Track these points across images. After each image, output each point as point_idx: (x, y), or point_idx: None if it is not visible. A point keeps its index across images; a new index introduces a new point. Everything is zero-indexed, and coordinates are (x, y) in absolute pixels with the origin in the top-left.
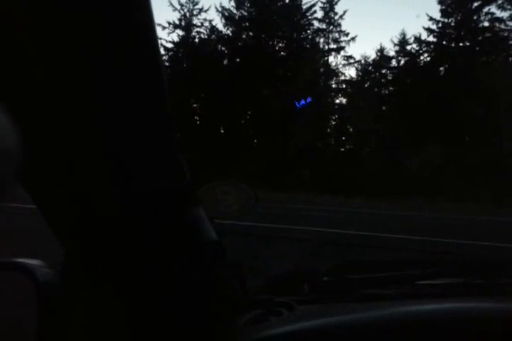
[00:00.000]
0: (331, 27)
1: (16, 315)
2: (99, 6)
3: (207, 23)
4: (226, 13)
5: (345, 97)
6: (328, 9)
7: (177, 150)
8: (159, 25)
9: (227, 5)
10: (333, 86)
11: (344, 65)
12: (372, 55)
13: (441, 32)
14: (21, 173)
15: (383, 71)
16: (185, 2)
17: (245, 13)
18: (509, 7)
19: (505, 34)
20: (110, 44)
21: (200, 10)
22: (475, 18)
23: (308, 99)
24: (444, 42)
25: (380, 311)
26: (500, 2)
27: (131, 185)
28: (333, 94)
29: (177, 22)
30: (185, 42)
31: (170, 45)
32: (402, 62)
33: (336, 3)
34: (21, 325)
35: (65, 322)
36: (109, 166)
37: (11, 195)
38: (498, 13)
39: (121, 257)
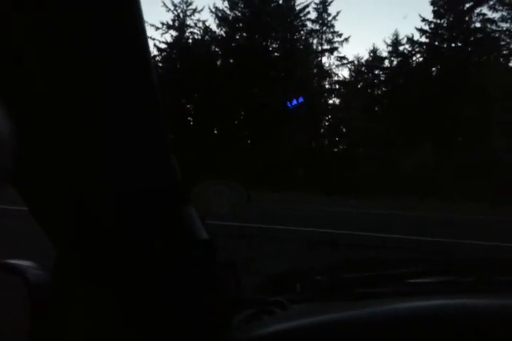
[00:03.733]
0: (325, 28)
1: (8, 316)
2: (90, 10)
3: (200, 24)
4: (220, 14)
5: (338, 98)
6: (321, 10)
7: (168, 151)
8: (153, 25)
9: (220, 6)
10: (327, 86)
11: (337, 66)
12: (365, 56)
13: (434, 33)
14: (14, 173)
15: (376, 71)
16: (179, 2)
17: (239, 14)
18: (501, 8)
19: (497, 35)
20: (102, 45)
21: (194, 10)
22: (467, 19)
23: (300, 100)
24: (437, 43)
25: (372, 309)
26: (491, 3)
27: (122, 184)
28: (326, 94)
29: (170, 22)
30: (178, 43)
31: (163, 46)
32: (395, 62)
33: (329, 4)
34: (13, 326)
35: (57, 322)
36: (101, 166)
37: (5, 192)
38: (490, 14)
39: (114, 257)
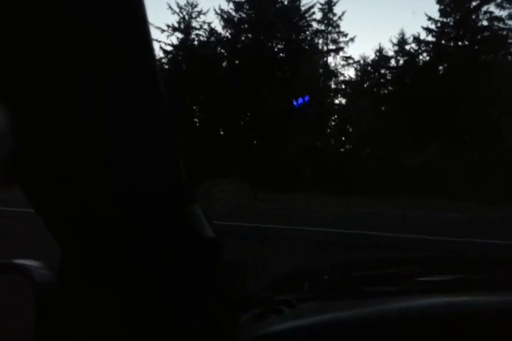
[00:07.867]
0: (330, 28)
1: (14, 316)
2: (92, 11)
3: (206, 26)
4: (225, 16)
5: (344, 98)
6: (326, 10)
7: (173, 150)
8: (158, 28)
9: (226, 7)
10: (333, 86)
11: (343, 66)
12: (371, 56)
13: (440, 31)
14: (19, 175)
15: (382, 71)
16: (184, 5)
17: (244, 15)
18: (508, 6)
19: (504, 33)
20: (107, 47)
21: (199, 12)
22: (474, 17)
23: (306, 98)
24: (443, 42)
25: (380, 307)
26: (499, 1)
27: (128, 185)
28: (332, 94)
29: (176, 25)
30: (184, 45)
31: (169, 48)
32: (401, 62)
33: (334, 5)
34: (19, 326)
35: (63, 322)
36: (106, 167)
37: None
38: (497, 12)
39: (120, 257)
